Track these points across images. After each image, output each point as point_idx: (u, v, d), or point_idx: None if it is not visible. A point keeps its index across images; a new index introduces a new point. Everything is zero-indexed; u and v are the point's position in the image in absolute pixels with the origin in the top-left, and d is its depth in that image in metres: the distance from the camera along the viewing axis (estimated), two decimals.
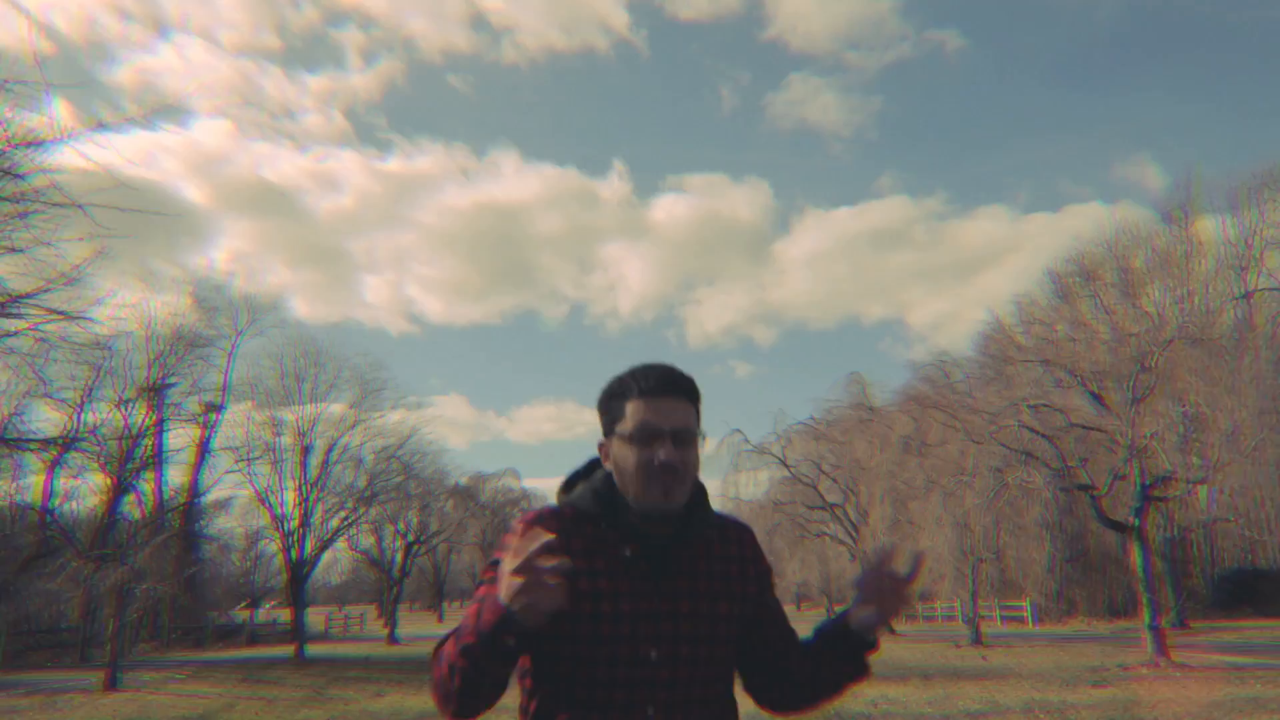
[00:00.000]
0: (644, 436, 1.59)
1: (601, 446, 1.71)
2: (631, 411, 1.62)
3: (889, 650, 23.87)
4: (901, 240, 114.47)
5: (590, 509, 1.63)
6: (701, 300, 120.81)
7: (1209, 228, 43.76)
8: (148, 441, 38.74)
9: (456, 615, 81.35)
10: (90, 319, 12.18)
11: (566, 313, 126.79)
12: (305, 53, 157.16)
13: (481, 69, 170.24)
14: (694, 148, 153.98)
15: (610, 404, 1.68)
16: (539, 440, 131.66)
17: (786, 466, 31.68)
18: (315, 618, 48.79)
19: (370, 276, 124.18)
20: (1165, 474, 15.98)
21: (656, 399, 1.62)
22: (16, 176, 10.49)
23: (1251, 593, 37.67)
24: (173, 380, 33.46)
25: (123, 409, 35.18)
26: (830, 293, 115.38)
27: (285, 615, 49.93)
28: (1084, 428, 16.65)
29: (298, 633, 24.80)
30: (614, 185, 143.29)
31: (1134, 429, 15.73)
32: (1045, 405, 16.64)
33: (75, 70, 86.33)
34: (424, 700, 13.51)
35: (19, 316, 13.11)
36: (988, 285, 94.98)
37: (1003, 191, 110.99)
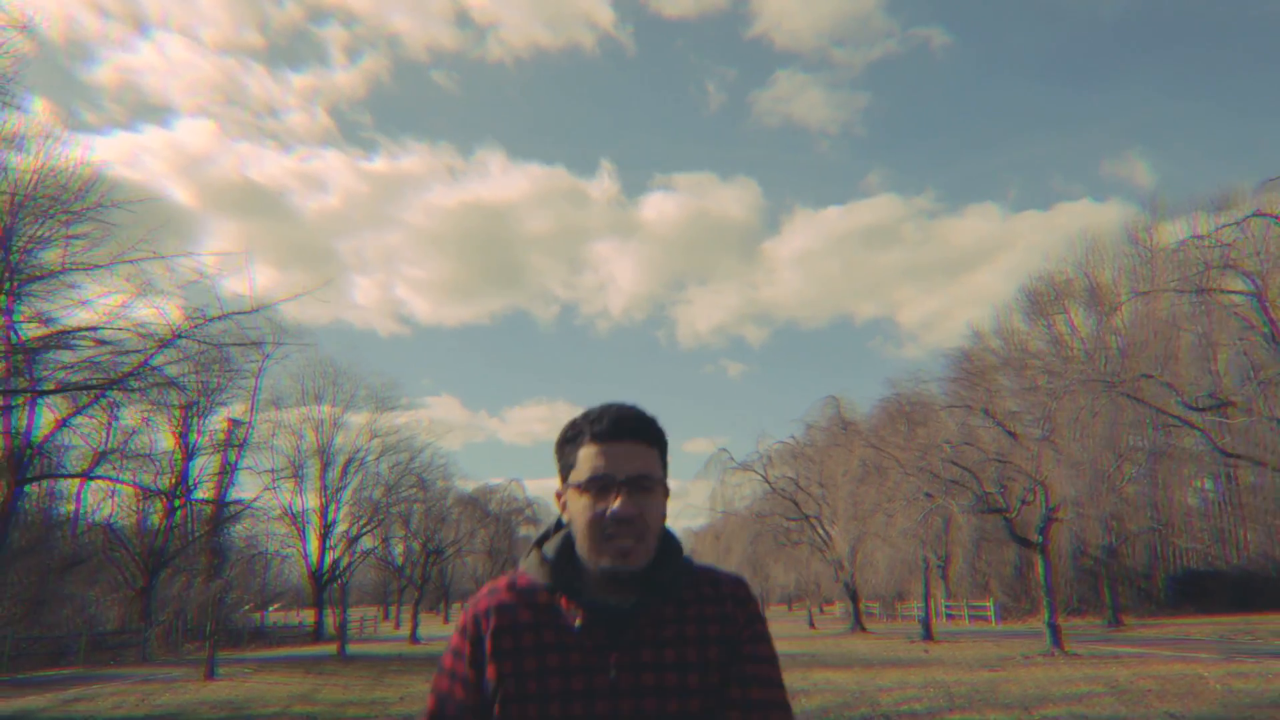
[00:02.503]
0: (597, 486, 1.44)
1: (559, 497, 1.55)
2: (584, 458, 1.47)
3: (849, 644, 27.94)
4: (892, 238, 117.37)
5: (538, 578, 1.49)
6: (692, 300, 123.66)
7: (1170, 249, 47.83)
8: (178, 456, 42.91)
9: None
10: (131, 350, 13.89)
11: (557, 313, 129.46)
12: (288, 50, 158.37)
13: (466, 66, 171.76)
14: (681, 146, 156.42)
15: (564, 450, 1.53)
16: (531, 441, 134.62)
17: (768, 482, 35.70)
18: (330, 620, 52.60)
19: (359, 277, 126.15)
20: (1061, 500, 20.00)
21: (611, 443, 1.46)
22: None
23: (1197, 593, 41.83)
24: (218, 399, 37.33)
25: (175, 430, 39.22)
26: (821, 292, 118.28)
27: (294, 617, 53.90)
28: (1000, 461, 20.65)
29: (341, 633, 28.68)
30: (602, 184, 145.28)
31: (1037, 463, 19.74)
32: (966, 443, 20.65)
33: (55, 70, 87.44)
34: None
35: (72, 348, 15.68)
36: (979, 283, 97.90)
37: (993, 189, 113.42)
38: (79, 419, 21.29)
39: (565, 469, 1.52)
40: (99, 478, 26.41)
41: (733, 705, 1.45)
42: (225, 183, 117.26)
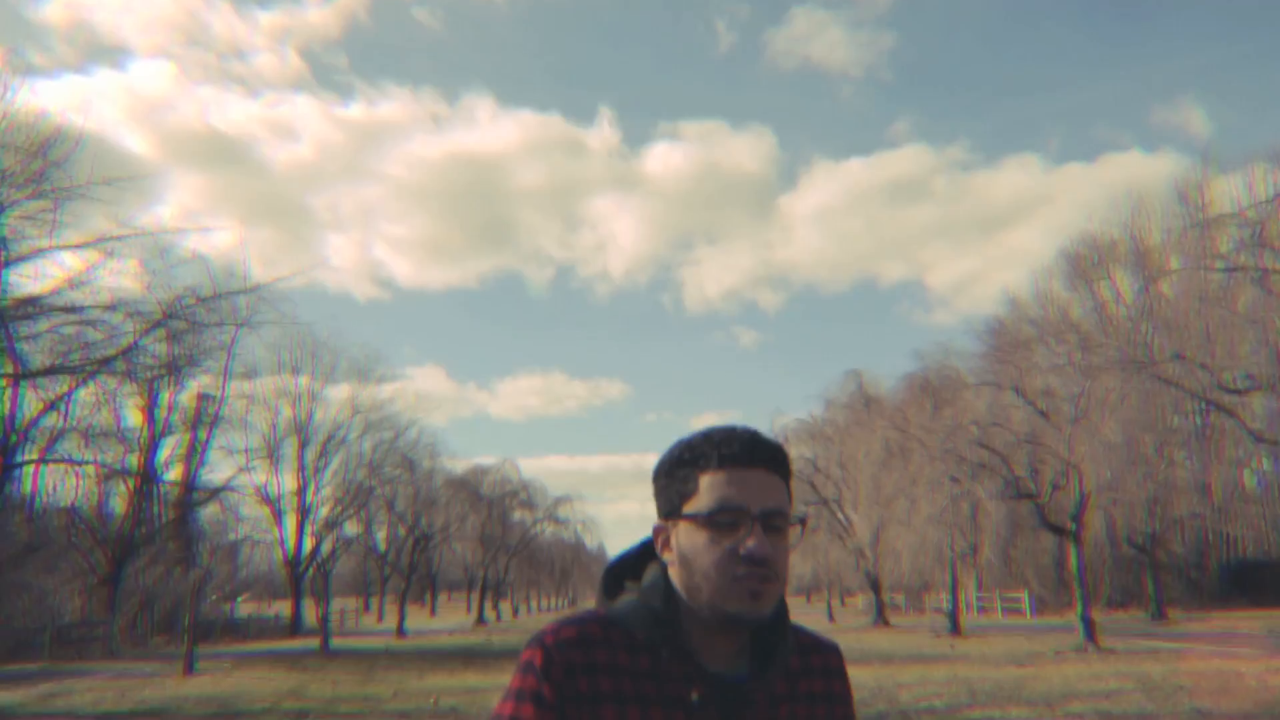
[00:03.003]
0: (726, 519, 1.36)
1: (659, 532, 1.47)
2: (708, 486, 1.38)
3: (871, 638, 28.77)
4: (921, 193, 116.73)
5: (645, 633, 1.39)
6: (700, 261, 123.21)
7: (1224, 204, 48.38)
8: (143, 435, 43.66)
9: (449, 609, 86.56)
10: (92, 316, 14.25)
11: (552, 276, 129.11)
12: None
13: (452, 2, 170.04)
14: (689, 91, 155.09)
15: (675, 474, 1.44)
16: (525, 416, 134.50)
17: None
18: (309, 612, 53.71)
19: (334, 235, 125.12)
20: (1096, 485, 20.67)
21: (742, 470, 1.39)
22: None
23: (1251, 584, 42.70)
24: (190, 373, 37.79)
25: (143, 406, 39.94)
26: (842, 252, 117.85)
27: (266, 609, 54.96)
28: (1031, 443, 21.30)
29: (324, 626, 29.60)
30: (602, 133, 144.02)
31: (1070, 445, 20.39)
32: (995, 424, 21.29)
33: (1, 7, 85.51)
34: (465, 678, 18.25)
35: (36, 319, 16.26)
36: (1017, 242, 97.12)
37: (1033, 139, 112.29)
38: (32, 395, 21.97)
39: (675, 497, 1.44)
40: (88, 463, 27.03)
41: None
42: (187, 131, 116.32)
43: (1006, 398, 21.71)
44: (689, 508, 1.40)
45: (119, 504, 42.08)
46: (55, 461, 26.82)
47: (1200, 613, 37.98)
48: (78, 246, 11.64)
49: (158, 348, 14.12)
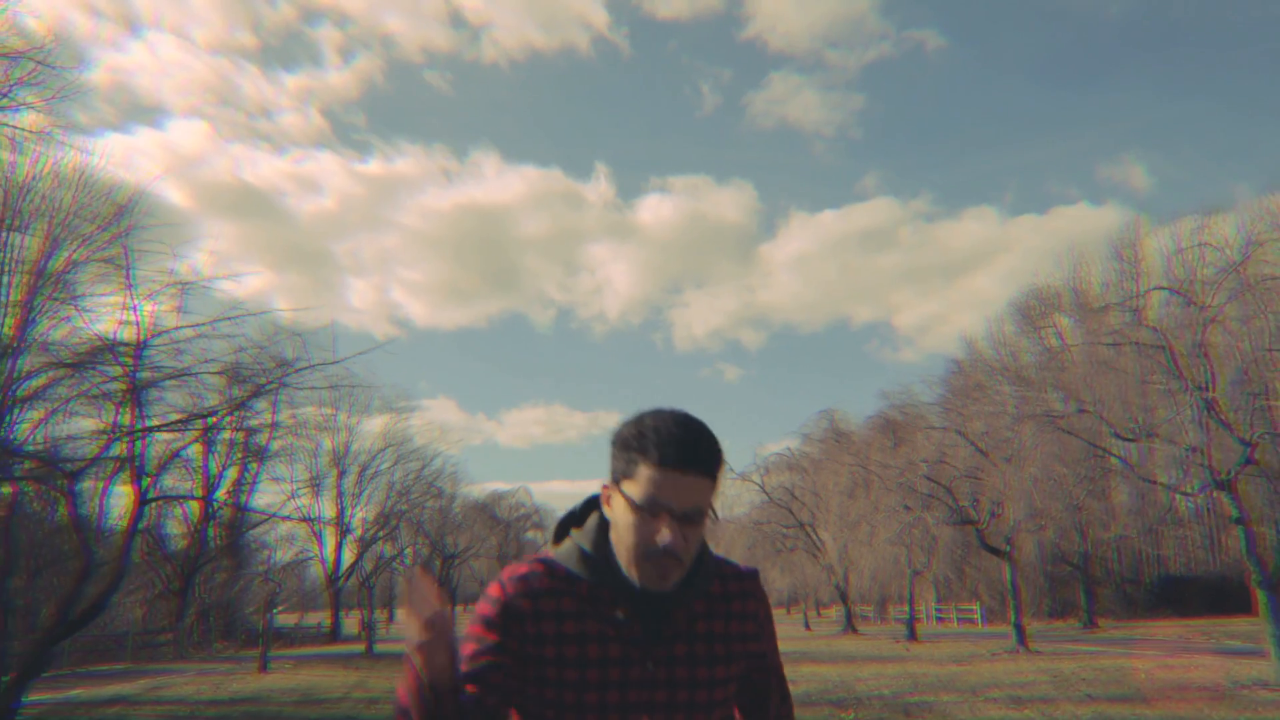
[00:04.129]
0: (651, 510, 1.47)
1: (605, 490, 1.58)
2: (644, 478, 1.48)
3: (839, 644, 30.44)
4: (888, 242, 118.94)
5: (578, 569, 1.54)
6: (689, 303, 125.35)
7: (1156, 264, 50.65)
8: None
9: (464, 619, 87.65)
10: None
11: (554, 316, 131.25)
12: (281, 50, 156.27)
13: (460, 67, 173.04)
14: (676, 148, 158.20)
15: (622, 454, 1.53)
16: (529, 444, 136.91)
17: (765, 492, 38.23)
18: (346, 621, 55.04)
19: (355, 280, 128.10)
20: (1028, 513, 22.48)
21: (674, 472, 1.46)
22: None
23: (1176, 597, 44.35)
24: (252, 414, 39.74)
25: (207, 444, 41.63)
26: (818, 295, 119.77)
27: (305, 620, 56.29)
28: (971, 478, 23.13)
29: (369, 632, 31.25)
30: (599, 187, 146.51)
31: (1004, 481, 22.22)
32: (941, 461, 23.14)
33: (48, 72, 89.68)
34: None
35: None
36: (977, 287, 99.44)
37: (990, 192, 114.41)
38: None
39: (619, 472, 1.53)
40: (193, 498, 28.72)
41: (755, 689, 1.67)
42: (219, 185, 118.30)
43: (952, 439, 23.57)
44: (625, 488, 1.49)
45: (172, 525, 43.84)
46: (168, 498, 28.45)
47: (1129, 622, 39.61)
48: (196, 326, 13.40)
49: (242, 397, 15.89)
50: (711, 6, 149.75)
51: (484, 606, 1.54)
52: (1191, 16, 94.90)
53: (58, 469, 12.67)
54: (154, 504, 38.65)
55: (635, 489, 1.49)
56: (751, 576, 1.68)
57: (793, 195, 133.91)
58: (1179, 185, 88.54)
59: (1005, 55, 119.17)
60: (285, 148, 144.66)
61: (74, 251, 16.95)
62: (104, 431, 13.87)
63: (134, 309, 13.49)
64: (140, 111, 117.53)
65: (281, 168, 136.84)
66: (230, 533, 46.26)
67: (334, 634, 48.93)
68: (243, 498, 47.76)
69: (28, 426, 14.34)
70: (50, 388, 14.76)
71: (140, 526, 16.34)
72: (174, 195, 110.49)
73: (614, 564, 1.54)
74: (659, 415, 1.53)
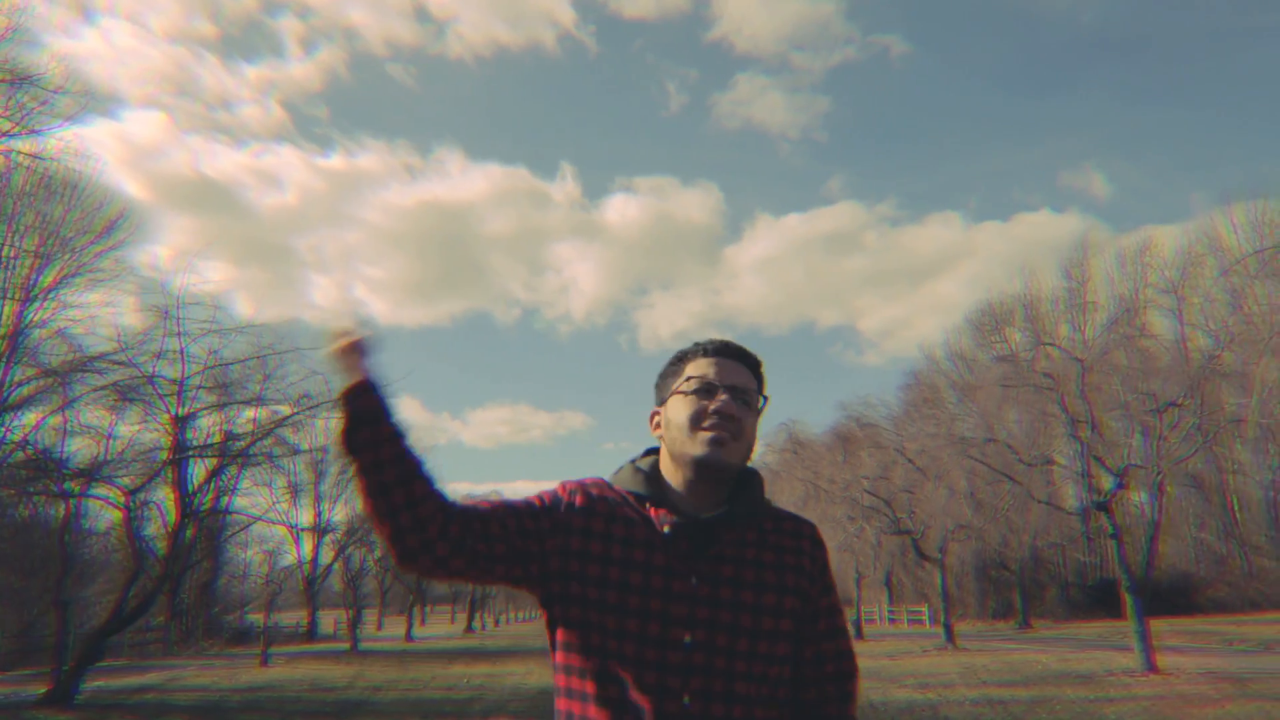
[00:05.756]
0: (702, 389, 1.61)
1: (653, 415, 1.72)
2: (691, 369, 1.65)
3: None
4: (853, 246, 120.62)
5: (631, 485, 1.64)
6: (654, 304, 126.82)
7: (1100, 284, 54.15)
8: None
9: (434, 619, 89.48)
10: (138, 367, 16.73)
11: (518, 316, 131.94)
12: (242, 41, 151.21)
13: (425, 62, 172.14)
14: (643, 148, 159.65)
15: (670, 369, 1.72)
16: (495, 444, 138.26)
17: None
18: (323, 620, 57.04)
19: (318, 276, 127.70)
20: (958, 524, 25.30)
21: (720, 358, 1.65)
22: None
23: (1110, 599, 47.64)
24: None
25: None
26: (783, 298, 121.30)
27: (275, 619, 58.22)
28: (908, 492, 25.92)
29: (352, 630, 33.46)
30: (565, 186, 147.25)
31: (935, 496, 25.02)
32: (882, 478, 25.91)
33: None
34: (479, 668, 22.39)
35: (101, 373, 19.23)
36: (941, 292, 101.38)
37: (955, 198, 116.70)
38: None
39: (666, 387, 1.69)
40: (240, 515, 30.51)
41: (816, 645, 1.67)
42: (177, 177, 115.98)
43: (893, 455, 26.34)
44: (676, 386, 1.66)
45: (149, 527, 45.76)
46: (213, 513, 30.31)
47: (1066, 623, 42.77)
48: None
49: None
50: (678, 6, 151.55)
51: (540, 494, 1.67)
52: (1151, 26, 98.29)
53: (116, 486, 14.99)
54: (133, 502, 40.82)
55: (686, 380, 1.65)
56: (809, 524, 1.71)
57: (758, 197, 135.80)
58: (1140, 193, 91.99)
59: (968, 62, 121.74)
60: (245, 140, 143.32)
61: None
62: (149, 452, 16.22)
63: (180, 349, 15.83)
64: (94, 101, 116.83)
65: (241, 161, 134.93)
66: (211, 536, 48.26)
67: (311, 633, 51.01)
68: (224, 501, 50.00)
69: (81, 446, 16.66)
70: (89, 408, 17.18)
71: (187, 536, 18.56)
72: (131, 187, 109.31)
73: (665, 485, 1.64)
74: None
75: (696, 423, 1.58)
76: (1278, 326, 13.43)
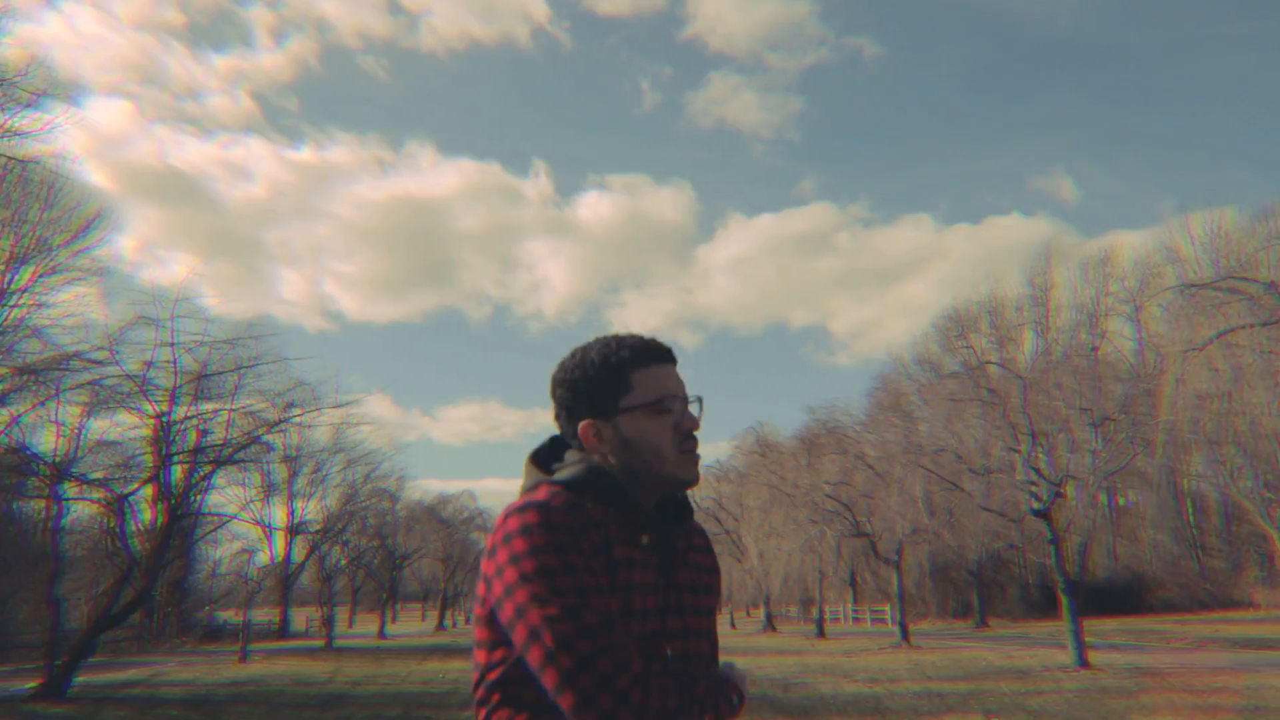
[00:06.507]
0: (670, 403, 1.54)
1: (587, 428, 1.56)
2: (643, 381, 1.55)
3: (756, 640, 34.38)
4: (825, 247, 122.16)
5: (611, 492, 1.51)
6: (626, 303, 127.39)
7: (1063, 292, 55.84)
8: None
9: (405, 617, 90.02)
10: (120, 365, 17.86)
11: (490, 313, 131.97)
12: (210, 30, 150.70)
13: (397, 55, 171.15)
14: (616, 146, 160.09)
15: (607, 377, 1.56)
16: (464, 441, 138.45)
17: (695, 502, 42.06)
18: (294, 618, 57.58)
19: (287, 270, 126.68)
20: (914, 528, 26.53)
21: (664, 366, 1.58)
22: None
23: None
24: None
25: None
26: (755, 298, 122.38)
27: (238, 616, 58.71)
28: (867, 497, 27.12)
29: (328, 627, 34.23)
30: (537, 182, 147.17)
31: (891, 499, 26.24)
32: (842, 483, 27.11)
33: None
34: (453, 664, 23.30)
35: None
36: (911, 294, 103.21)
37: (926, 200, 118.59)
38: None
39: (612, 396, 1.54)
40: (228, 517, 31.05)
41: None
42: (143, 167, 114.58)
43: (853, 461, 27.54)
44: (628, 402, 1.53)
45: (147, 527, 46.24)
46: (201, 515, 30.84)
47: (1022, 622, 44.26)
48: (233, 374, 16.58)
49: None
50: (653, 4, 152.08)
51: (538, 536, 1.38)
52: (1122, 33, 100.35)
53: (110, 490, 15.80)
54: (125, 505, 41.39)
55: (645, 394, 1.54)
56: (701, 528, 1.70)
57: (731, 197, 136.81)
58: (1108, 197, 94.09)
59: (940, 66, 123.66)
60: (213, 131, 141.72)
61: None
62: (133, 457, 17.04)
63: (172, 360, 16.65)
64: (56, 87, 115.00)
65: (209, 152, 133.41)
66: (184, 534, 48.69)
67: (284, 630, 51.62)
68: (195, 499, 50.51)
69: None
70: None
71: (171, 539, 19.36)
72: (95, 177, 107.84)
73: (635, 493, 1.55)
74: (601, 340, 1.63)
75: (677, 446, 1.54)
76: (1184, 355, 14.64)
